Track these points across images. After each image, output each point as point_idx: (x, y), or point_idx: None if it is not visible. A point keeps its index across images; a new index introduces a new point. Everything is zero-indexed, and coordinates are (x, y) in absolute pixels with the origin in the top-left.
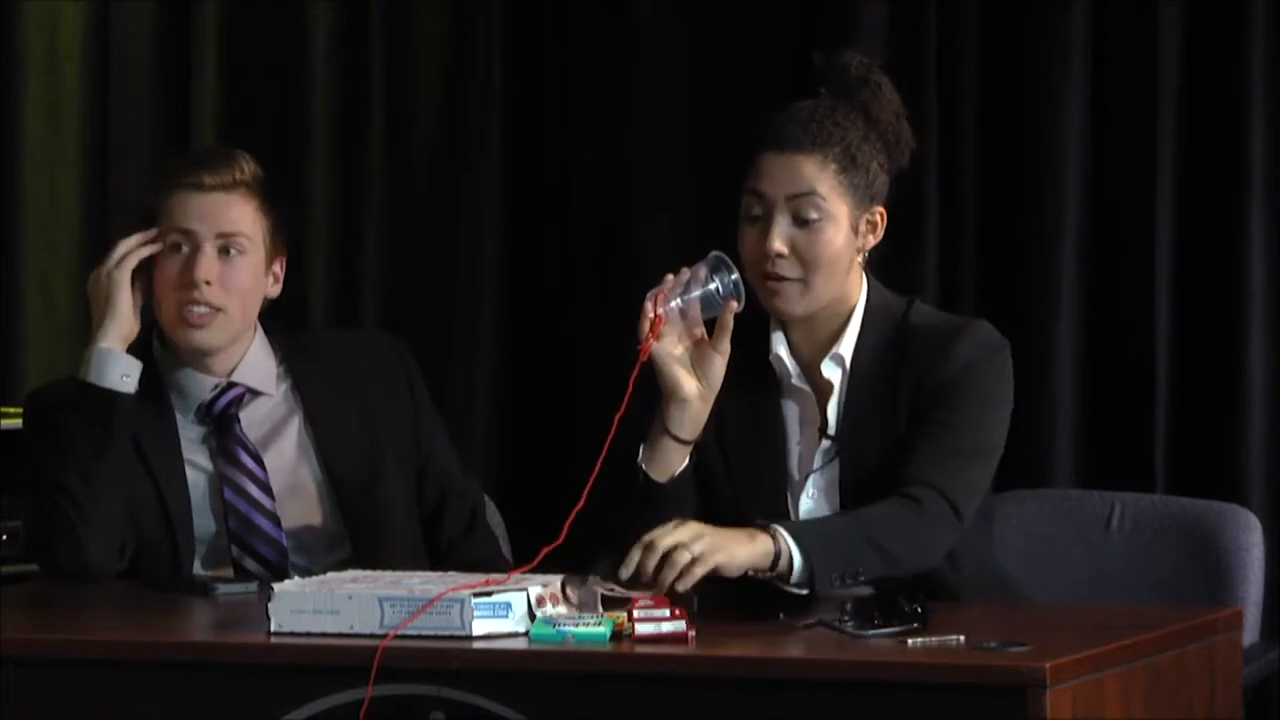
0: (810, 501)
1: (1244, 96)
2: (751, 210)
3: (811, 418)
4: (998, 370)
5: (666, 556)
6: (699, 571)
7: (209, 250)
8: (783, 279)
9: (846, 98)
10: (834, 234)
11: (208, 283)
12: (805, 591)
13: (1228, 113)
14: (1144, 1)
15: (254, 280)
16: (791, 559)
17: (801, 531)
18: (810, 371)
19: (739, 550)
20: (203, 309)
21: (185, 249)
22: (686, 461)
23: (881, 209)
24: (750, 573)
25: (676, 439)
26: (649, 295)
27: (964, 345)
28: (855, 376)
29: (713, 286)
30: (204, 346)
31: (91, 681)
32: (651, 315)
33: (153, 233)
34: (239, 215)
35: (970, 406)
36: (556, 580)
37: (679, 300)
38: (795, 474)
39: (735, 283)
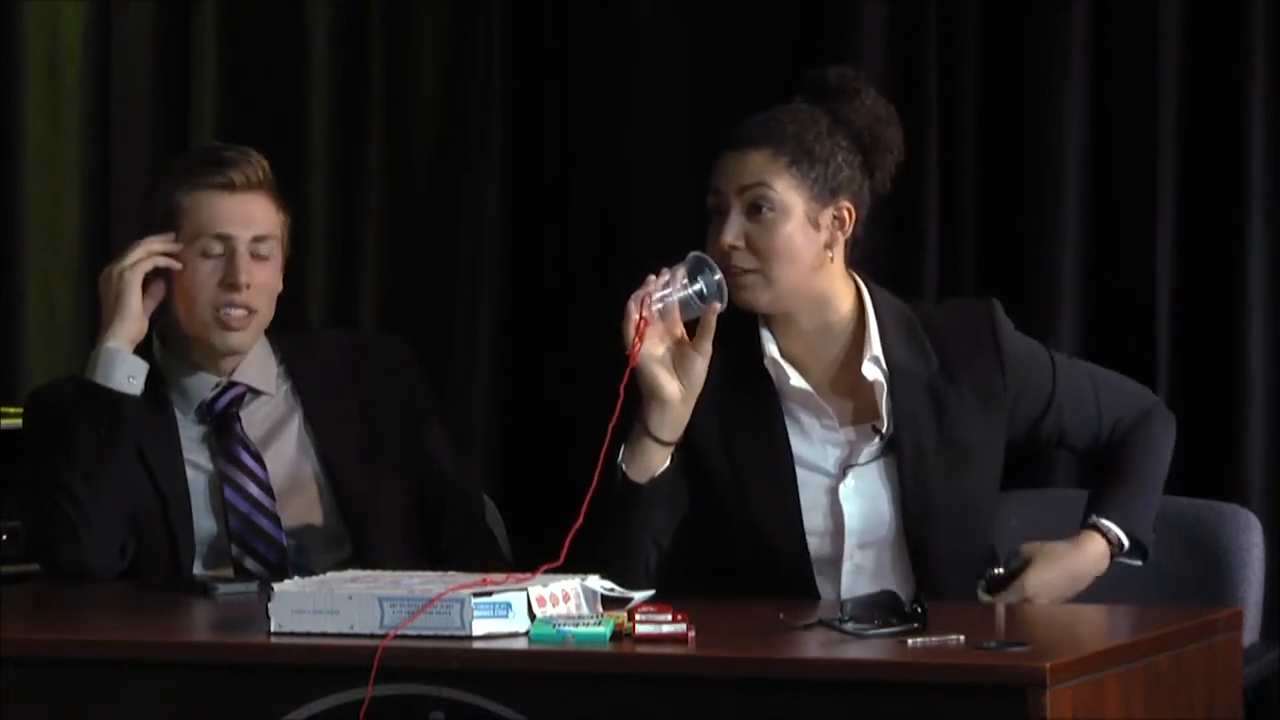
0: (849, 492)
1: (1244, 96)
2: (709, 208)
3: (818, 413)
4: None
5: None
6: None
7: (244, 252)
8: (742, 271)
9: (819, 104)
10: (788, 226)
11: (248, 285)
12: (1139, 563)
13: (1228, 113)
14: (1144, 1)
15: (279, 280)
16: (1122, 543)
17: (1116, 514)
18: (825, 374)
19: (1084, 570)
20: (241, 311)
21: (218, 251)
22: (667, 463)
23: (849, 204)
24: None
25: (657, 440)
26: (633, 298)
27: (1000, 324)
28: (896, 374)
29: (697, 287)
30: (238, 348)
31: (91, 681)
32: (636, 318)
33: (172, 237)
34: (267, 216)
35: (1048, 361)
36: (558, 580)
37: (663, 301)
38: (831, 467)
39: (719, 283)
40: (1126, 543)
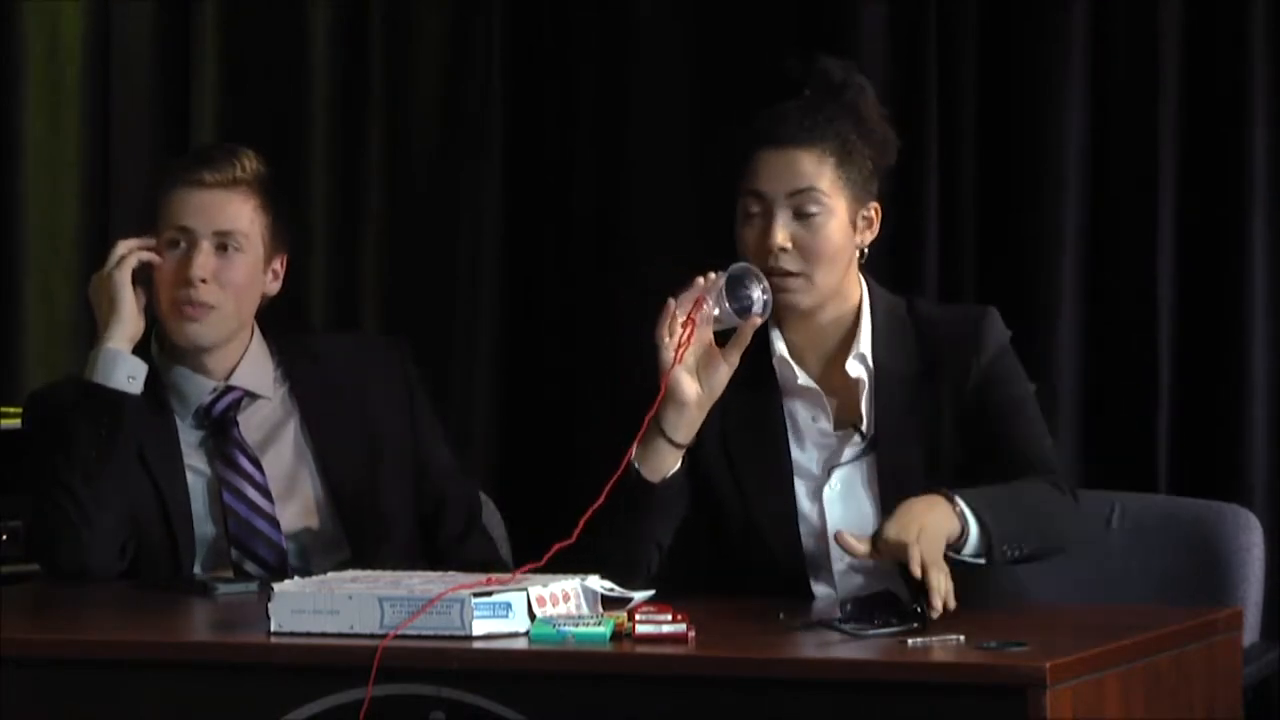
0: (833, 493)
1: (1244, 96)
2: (750, 209)
3: (821, 414)
4: (1014, 360)
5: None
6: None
7: (205, 247)
8: (786, 274)
9: (833, 98)
10: (835, 228)
11: (203, 280)
12: (981, 561)
13: (1228, 112)
14: (1144, 1)
15: (250, 277)
16: (967, 527)
17: (975, 501)
18: (818, 370)
19: (943, 526)
20: (198, 304)
21: (183, 245)
22: (678, 466)
23: (876, 205)
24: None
25: (670, 441)
26: (680, 299)
27: (989, 336)
28: (880, 373)
29: (741, 298)
30: (198, 341)
31: (91, 681)
32: (682, 317)
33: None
34: (236, 213)
35: (1024, 399)
36: (558, 580)
37: (714, 308)
38: (816, 469)
39: (765, 292)
40: (972, 521)
